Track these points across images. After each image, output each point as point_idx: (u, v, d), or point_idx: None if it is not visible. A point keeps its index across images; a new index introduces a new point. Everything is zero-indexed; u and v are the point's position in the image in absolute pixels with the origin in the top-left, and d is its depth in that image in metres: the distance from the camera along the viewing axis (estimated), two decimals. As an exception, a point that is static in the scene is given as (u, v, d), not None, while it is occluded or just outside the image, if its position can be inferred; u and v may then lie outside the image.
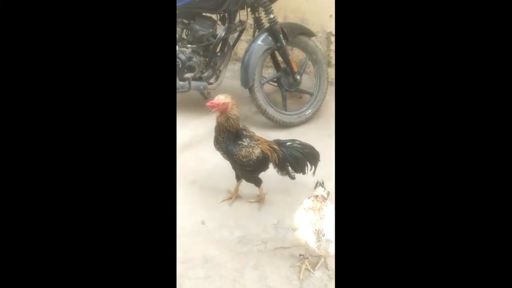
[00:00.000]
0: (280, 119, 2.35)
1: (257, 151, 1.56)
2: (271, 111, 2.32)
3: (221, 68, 2.46)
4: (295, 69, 2.35)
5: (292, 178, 1.65)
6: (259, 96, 2.28)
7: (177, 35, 2.28)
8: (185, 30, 2.38)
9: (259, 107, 2.31)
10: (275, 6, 2.30)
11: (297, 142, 1.64)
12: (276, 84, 2.49)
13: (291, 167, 1.63)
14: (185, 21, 2.30)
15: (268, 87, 2.58)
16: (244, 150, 1.55)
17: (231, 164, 1.65)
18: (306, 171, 1.63)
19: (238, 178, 1.72)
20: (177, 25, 2.29)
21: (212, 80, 2.49)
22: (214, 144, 1.62)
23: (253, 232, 1.63)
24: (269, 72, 2.92)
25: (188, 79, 2.29)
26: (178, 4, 2.21)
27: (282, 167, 1.63)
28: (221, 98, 1.49)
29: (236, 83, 3.08)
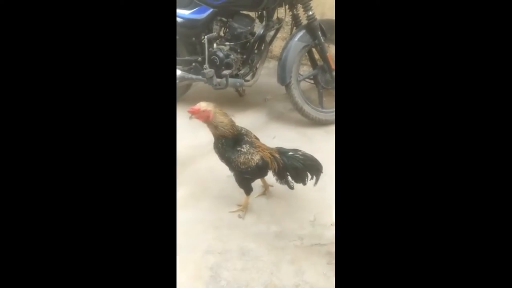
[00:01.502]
0: (316, 116, 2.33)
1: (256, 158, 1.53)
2: (307, 108, 2.32)
3: (257, 66, 2.48)
4: (333, 67, 2.32)
5: (291, 188, 1.62)
6: (296, 93, 2.28)
7: (215, 33, 2.33)
8: (223, 28, 2.43)
9: (295, 104, 2.31)
10: (313, 3, 2.29)
11: (300, 152, 1.58)
12: (312, 81, 2.48)
13: (291, 177, 1.59)
14: (223, 19, 2.35)
15: (304, 85, 2.57)
16: (242, 157, 1.52)
17: (229, 169, 1.63)
18: (306, 182, 1.59)
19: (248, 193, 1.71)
20: (215, 23, 2.34)
21: (248, 77, 2.52)
22: (214, 149, 1.60)
23: (289, 228, 1.63)
24: (305, 69, 2.91)
25: (225, 76, 2.33)
26: (216, 2, 2.26)
27: (281, 176, 1.60)
28: (202, 105, 1.45)
29: (271, 80, 3.10)
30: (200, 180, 1.94)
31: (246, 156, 1.52)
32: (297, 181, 1.59)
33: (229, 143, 1.53)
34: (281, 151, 1.59)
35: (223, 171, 1.90)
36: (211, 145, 2.30)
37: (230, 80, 2.37)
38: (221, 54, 2.32)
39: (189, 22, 2.33)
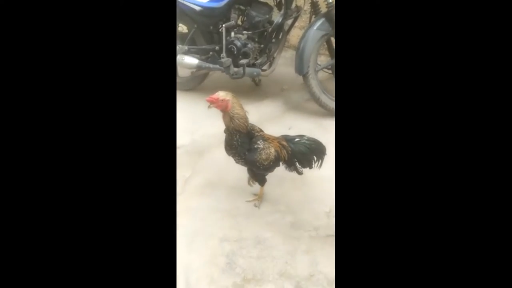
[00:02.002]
0: (333, 107, 2.31)
1: (272, 151, 1.52)
2: (324, 98, 2.29)
3: (275, 55, 2.46)
4: (352, 56, 2.28)
5: (300, 173, 1.62)
6: (313, 83, 2.26)
7: (233, 22, 2.31)
8: (241, 17, 2.41)
9: (312, 94, 2.29)
10: (333, -9, 2.23)
11: (305, 137, 1.60)
12: (330, 71, 2.44)
13: (299, 163, 1.59)
14: (241, 7, 2.32)
15: (322, 74, 2.54)
16: (263, 153, 1.49)
17: (248, 167, 1.60)
18: (313, 165, 1.59)
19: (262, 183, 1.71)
20: (233, 11, 2.32)
21: (265, 67, 2.51)
22: (226, 150, 1.56)
23: (305, 218, 1.64)
24: (322, 59, 2.86)
25: (243, 65, 2.32)
26: (235, -10, 2.24)
27: (290, 163, 1.60)
28: (221, 94, 1.41)
29: (288, 70, 3.07)
30: (216, 169, 1.96)
31: (266, 151, 1.50)
32: (304, 166, 1.60)
33: (245, 140, 1.49)
34: (288, 139, 1.60)
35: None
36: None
37: (247, 69, 2.36)
38: (238, 43, 2.31)
39: (207, 10, 2.32)
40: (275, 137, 1.60)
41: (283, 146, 1.56)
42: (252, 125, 1.58)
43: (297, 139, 1.59)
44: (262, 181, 1.68)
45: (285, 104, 2.62)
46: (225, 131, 1.55)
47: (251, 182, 1.77)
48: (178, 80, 2.76)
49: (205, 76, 2.70)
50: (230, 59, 2.33)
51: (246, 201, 1.73)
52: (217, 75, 2.76)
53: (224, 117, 1.47)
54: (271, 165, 1.55)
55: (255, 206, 1.71)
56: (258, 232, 1.58)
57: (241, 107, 1.47)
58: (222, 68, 2.38)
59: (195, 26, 2.44)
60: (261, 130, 1.61)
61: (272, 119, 2.43)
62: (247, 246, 1.52)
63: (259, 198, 1.73)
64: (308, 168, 1.60)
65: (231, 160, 1.85)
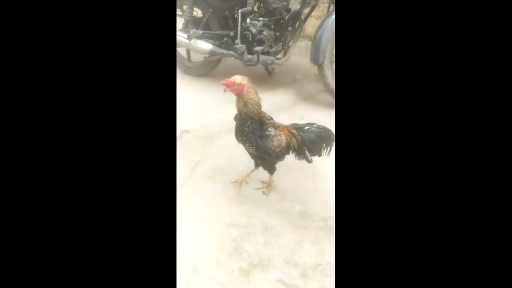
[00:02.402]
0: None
1: (283, 138, 1.51)
2: (338, 90, 2.26)
3: (290, 44, 2.43)
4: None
5: (310, 161, 1.61)
6: (328, 74, 2.23)
7: (249, 7, 2.28)
8: (258, 2, 2.37)
9: (326, 85, 2.26)
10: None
11: (315, 125, 1.59)
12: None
13: (308, 151, 1.59)
14: (259, -7, 2.29)
15: (336, 66, 2.50)
16: (275, 140, 1.48)
17: (256, 154, 1.57)
18: (322, 153, 1.60)
19: (258, 165, 1.69)
20: (250, -3, 2.29)
21: (280, 55, 2.48)
22: (237, 137, 1.54)
23: (314, 208, 1.63)
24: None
25: (257, 52, 2.29)
26: (253, -24, 2.19)
27: (300, 152, 1.59)
28: (237, 78, 1.38)
29: (302, 60, 3.03)
30: (226, 155, 1.96)
31: (278, 138, 1.49)
32: (313, 154, 1.60)
33: (256, 127, 1.48)
34: (297, 127, 1.59)
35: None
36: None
37: (262, 57, 2.33)
38: (254, 30, 2.28)
39: (223, -5, 2.29)
40: (285, 125, 1.59)
41: (292, 134, 1.55)
42: (263, 112, 1.56)
43: (306, 127, 1.58)
44: (272, 169, 1.67)
45: (298, 94, 2.59)
46: (235, 118, 1.54)
47: (265, 191, 1.73)
48: (190, 65, 2.75)
49: (217, 62, 2.68)
50: (244, 46, 2.30)
51: (255, 188, 1.73)
52: (229, 61, 2.74)
53: (238, 102, 1.45)
54: (282, 153, 1.54)
55: (264, 194, 1.70)
56: (266, 219, 1.58)
57: (256, 93, 1.45)
58: (235, 54, 2.35)
59: (210, 10, 2.41)
60: (271, 118, 1.59)
61: (283, 109, 2.41)
62: (254, 232, 1.52)
63: (268, 186, 1.72)
64: (317, 156, 1.60)
65: (241, 146, 1.84)
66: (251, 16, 2.32)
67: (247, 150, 1.57)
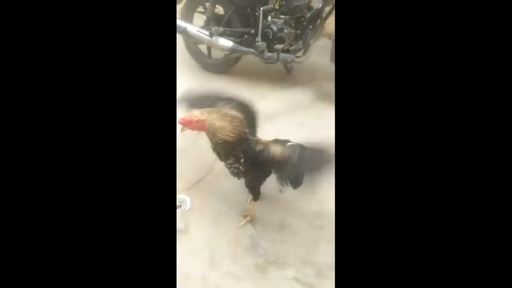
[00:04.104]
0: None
1: (278, 147, 1.34)
2: (358, 90, 2.25)
3: (310, 42, 2.42)
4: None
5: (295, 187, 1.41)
6: (348, 73, 2.21)
7: (271, 5, 2.28)
8: (279, 1, 2.38)
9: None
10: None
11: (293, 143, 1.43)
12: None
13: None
14: (281, -9, 2.29)
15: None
16: (275, 153, 1.30)
17: (245, 170, 1.37)
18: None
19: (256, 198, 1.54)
20: (271, -5, 2.29)
21: (299, 54, 2.47)
22: (223, 161, 1.39)
23: (331, 209, 1.64)
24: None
25: (277, 50, 2.30)
26: (275, -27, 2.20)
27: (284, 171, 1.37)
28: (195, 114, 1.23)
29: (321, 59, 3.02)
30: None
31: (272, 149, 1.32)
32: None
33: (234, 146, 1.30)
34: (279, 142, 1.42)
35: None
36: (265, 118, 2.32)
37: (282, 55, 2.33)
38: (275, 28, 2.28)
39: (245, -8, 2.30)
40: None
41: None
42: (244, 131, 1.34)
43: (289, 143, 1.42)
44: (256, 192, 1.49)
45: (316, 93, 2.59)
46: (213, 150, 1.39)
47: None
48: (210, 61, 2.78)
49: (237, 59, 2.69)
50: (264, 44, 2.31)
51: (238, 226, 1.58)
52: (249, 58, 2.75)
53: (206, 134, 1.31)
54: (286, 159, 1.33)
55: (280, 192, 1.72)
56: (283, 217, 1.60)
57: (223, 118, 1.28)
58: (255, 52, 2.37)
59: (232, 8, 2.42)
60: (256, 137, 1.43)
61: (301, 107, 2.41)
62: (271, 230, 1.55)
63: (251, 217, 1.57)
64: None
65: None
66: (272, 14, 2.32)
67: (229, 168, 1.41)
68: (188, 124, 1.22)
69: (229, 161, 1.37)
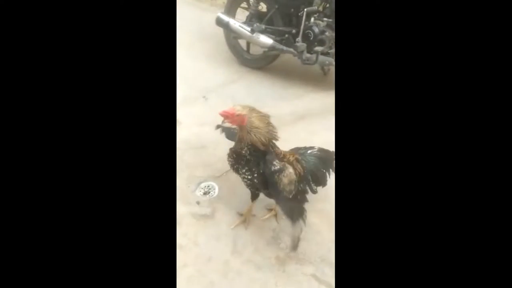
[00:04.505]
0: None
1: (291, 171, 1.30)
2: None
3: (350, 47, 2.42)
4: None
5: (315, 192, 1.45)
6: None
7: (315, 7, 2.31)
8: (323, 3, 2.39)
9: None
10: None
11: (315, 148, 1.48)
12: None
13: (312, 180, 1.42)
14: (327, -6, 2.31)
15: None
16: (283, 177, 1.27)
17: (254, 184, 1.36)
18: (326, 182, 1.45)
19: (254, 198, 1.53)
20: (317, -3, 2.31)
21: (338, 57, 2.48)
22: (230, 159, 1.38)
23: (354, 213, 1.65)
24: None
25: (317, 52, 2.32)
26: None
27: (303, 179, 1.39)
28: (237, 109, 1.23)
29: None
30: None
31: (286, 173, 1.28)
32: (318, 182, 1.45)
33: (258, 154, 1.28)
34: (300, 152, 1.45)
35: (298, 143, 1.97)
36: (292, 115, 2.36)
37: (320, 57, 2.35)
38: (316, 30, 2.31)
39: (291, -8, 2.33)
40: (287, 151, 1.43)
41: (297, 160, 1.39)
42: (272, 142, 1.33)
43: (309, 151, 1.46)
44: (254, 197, 1.50)
45: (350, 98, 2.59)
46: (230, 150, 1.36)
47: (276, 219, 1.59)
48: (248, 57, 2.84)
49: (275, 57, 2.74)
50: (305, 44, 2.34)
51: (233, 227, 1.59)
52: (286, 57, 2.79)
53: (240, 131, 1.29)
54: (299, 190, 1.33)
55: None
56: (307, 216, 1.63)
57: (262, 119, 1.27)
58: (294, 52, 2.40)
59: (276, 6, 2.46)
60: (275, 146, 1.37)
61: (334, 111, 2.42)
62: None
63: (245, 218, 1.59)
64: (322, 186, 1.46)
65: (289, 141, 1.88)
66: (315, 15, 2.35)
67: (243, 178, 1.39)
68: (229, 117, 1.24)
69: (243, 170, 1.35)
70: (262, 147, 1.27)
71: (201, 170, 1.87)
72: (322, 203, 1.69)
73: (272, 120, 2.24)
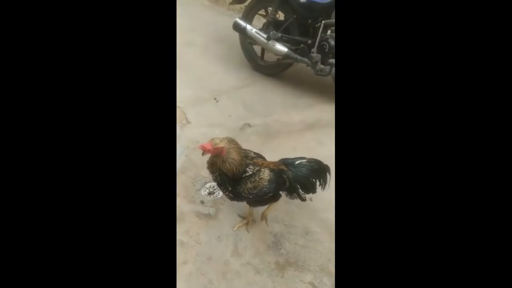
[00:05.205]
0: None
1: (265, 175, 1.38)
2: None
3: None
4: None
5: (303, 200, 1.50)
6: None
7: (333, 20, 2.34)
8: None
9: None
10: None
11: (305, 159, 1.49)
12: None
13: (302, 188, 1.48)
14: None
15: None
16: (250, 182, 1.35)
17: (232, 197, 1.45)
18: (316, 190, 1.49)
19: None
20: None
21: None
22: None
23: (356, 225, 1.66)
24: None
25: (330, 64, 2.35)
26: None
27: (291, 190, 1.47)
28: (215, 142, 1.30)
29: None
30: (281, 155, 2.04)
31: (253, 179, 1.36)
32: (307, 190, 1.49)
33: (226, 180, 1.37)
34: (287, 162, 1.49)
35: (304, 152, 1.98)
36: (301, 124, 2.37)
37: (334, 69, 2.38)
38: (332, 42, 2.33)
39: (311, 4, 2.37)
40: (271, 162, 1.48)
41: (282, 171, 1.44)
42: (245, 151, 1.43)
43: (297, 162, 1.49)
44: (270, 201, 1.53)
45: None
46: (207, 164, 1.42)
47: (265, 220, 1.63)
48: (262, 63, 2.87)
49: (288, 65, 2.77)
50: (319, 56, 2.37)
51: (235, 229, 1.62)
52: (300, 67, 2.81)
53: (216, 157, 1.35)
54: (265, 192, 1.40)
55: (310, 200, 1.76)
56: (309, 224, 1.64)
57: (239, 153, 1.35)
58: (308, 62, 2.43)
59: (294, 16, 2.50)
60: (259, 156, 1.49)
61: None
62: (295, 233, 1.59)
63: (247, 221, 1.62)
64: (311, 193, 1.51)
65: (296, 150, 1.89)
66: (332, 28, 2.38)
67: (227, 195, 1.45)
68: (207, 151, 1.31)
69: (222, 188, 1.45)
70: (230, 175, 1.35)
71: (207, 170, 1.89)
72: (325, 213, 1.70)
73: (281, 128, 2.28)
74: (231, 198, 1.45)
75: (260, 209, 1.60)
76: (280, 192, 1.49)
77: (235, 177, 1.36)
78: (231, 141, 1.34)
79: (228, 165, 1.33)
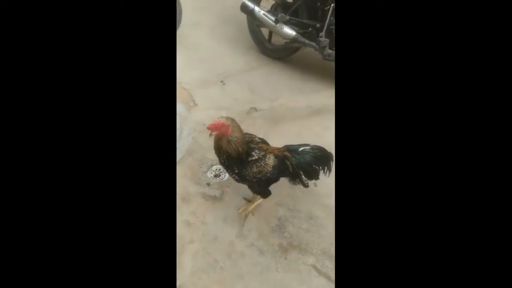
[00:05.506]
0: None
1: (270, 160, 1.42)
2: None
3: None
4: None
5: (306, 186, 1.52)
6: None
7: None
8: (351, 0, 2.37)
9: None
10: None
11: (309, 146, 1.50)
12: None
13: (305, 175, 1.49)
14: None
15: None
16: (255, 166, 1.40)
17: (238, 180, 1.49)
18: (319, 176, 1.51)
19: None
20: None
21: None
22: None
23: (359, 211, 1.69)
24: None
25: (339, 49, 2.32)
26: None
27: (294, 176, 1.49)
28: (222, 120, 1.33)
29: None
30: (286, 139, 2.05)
31: (259, 164, 1.40)
32: (310, 177, 1.51)
33: (234, 161, 1.40)
34: (291, 149, 1.50)
35: (309, 137, 1.99)
36: (307, 109, 2.37)
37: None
38: (341, 27, 2.30)
39: (320, -14, 2.32)
40: (276, 147, 1.51)
41: (286, 157, 1.46)
42: (251, 136, 1.49)
43: (301, 149, 1.50)
44: (264, 194, 1.58)
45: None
46: (214, 150, 1.45)
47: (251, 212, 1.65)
48: (269, 46, 2.84)
49: (296, 49, 2.73)
50: (328, 40, 2.33)
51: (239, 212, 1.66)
52: (307, 51, 2.78)
53: (220, 139, 1.37)
54: (268, 177, 1.44)
55: (315, 185, 1.78)
56: (312, 208, 1.67)
57: (240, 131, 1.39)
58: (316, 46, 2.40)
59: (303, -2, 2.45)
60: (263, 142, 1.51)
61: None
62: (299, 217, 1.63)
63: (251, 208, 1.64)
64: (314, 179, 1.53)
65: (302, 136, 1.89)
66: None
67: (234, 177, 1.49)
68: (216, 128, 1.32)
69: (229, 170, 1.47)
70: (235, 155, 1.38)
71: (214, 153, 1.91)
72: (329, 199, 1.73)
73: (287, 113, 2.28)
74: (238, 180, 1.49)
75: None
76: (287, 178, 1.51)
77: (241, 156, 1.39)
78: (233, 120, 1.38)
79: (233, 144, 1.36)
